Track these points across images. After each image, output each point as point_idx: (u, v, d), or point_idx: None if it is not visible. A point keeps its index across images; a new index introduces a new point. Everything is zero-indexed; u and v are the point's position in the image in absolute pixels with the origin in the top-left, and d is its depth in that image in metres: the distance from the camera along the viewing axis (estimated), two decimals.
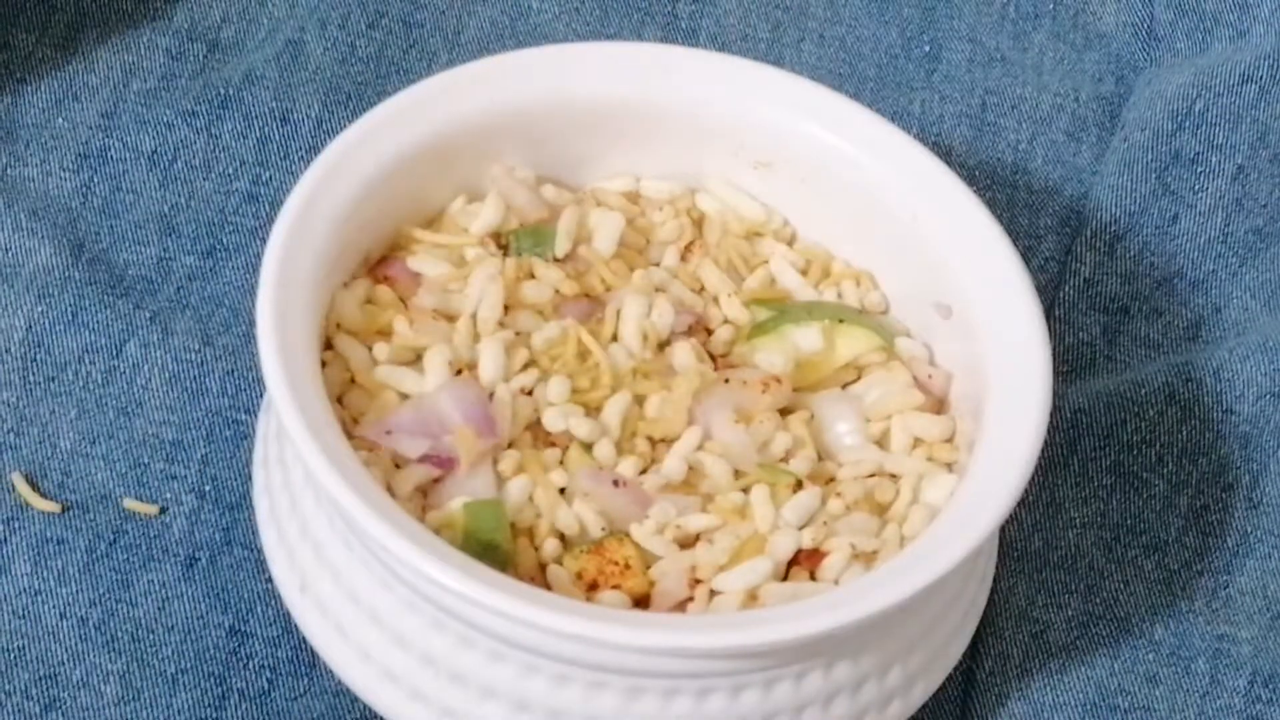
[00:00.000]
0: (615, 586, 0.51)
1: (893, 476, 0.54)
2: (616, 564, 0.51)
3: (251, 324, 0.52)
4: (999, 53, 0.72)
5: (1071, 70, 0.72)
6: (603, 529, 0.51)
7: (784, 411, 0.55)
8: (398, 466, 0.52)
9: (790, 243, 0.59)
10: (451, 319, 0.54)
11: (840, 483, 0.54)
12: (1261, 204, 0.68)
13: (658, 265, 0.57)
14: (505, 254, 0.56)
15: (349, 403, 0.53)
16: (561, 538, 0.51)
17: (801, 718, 0.51)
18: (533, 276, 0.56)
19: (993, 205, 0.61)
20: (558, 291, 0.55)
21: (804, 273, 0.58)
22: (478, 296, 0.54)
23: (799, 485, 0.53)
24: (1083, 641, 0.59)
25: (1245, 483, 0.62)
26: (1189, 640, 0.60)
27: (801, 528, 0.52)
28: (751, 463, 0.53)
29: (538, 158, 0.58)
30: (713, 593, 0.51)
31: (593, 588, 0.51)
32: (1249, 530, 0.61)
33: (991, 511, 0.50)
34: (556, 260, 0.56)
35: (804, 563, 0.52)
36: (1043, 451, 0.51)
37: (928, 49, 0.72)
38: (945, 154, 0.64)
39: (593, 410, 0.53)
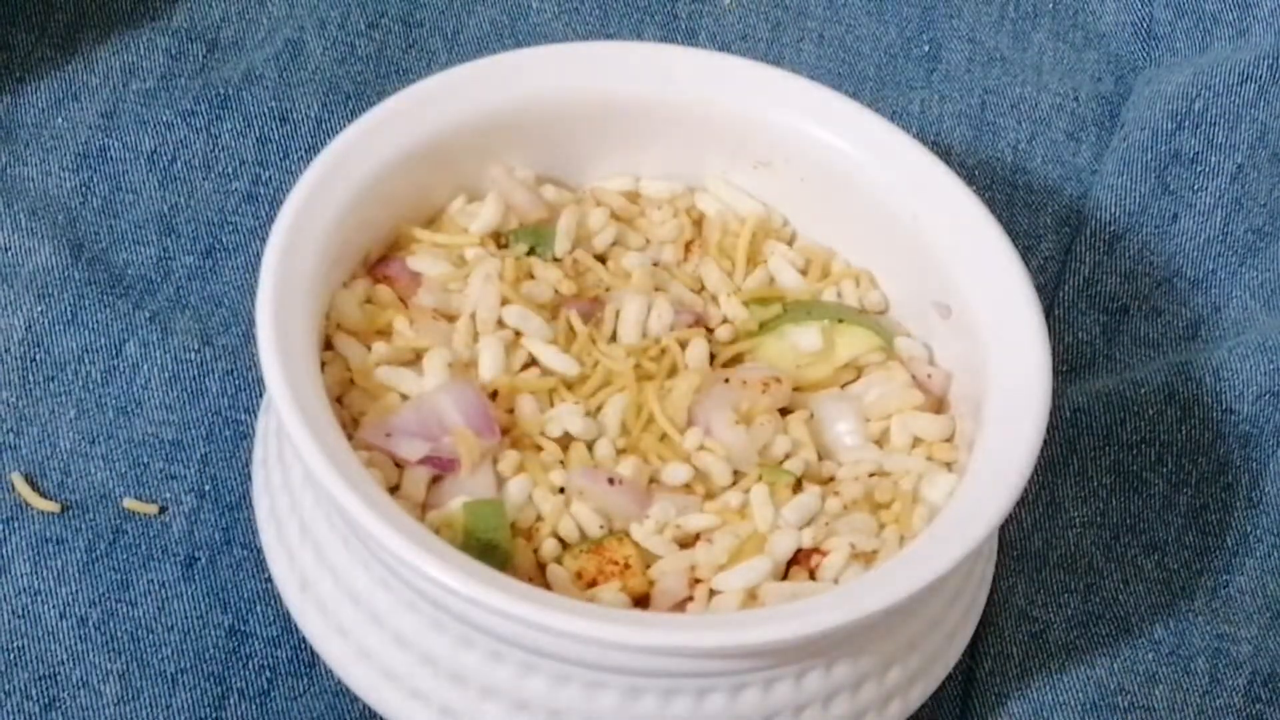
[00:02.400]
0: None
1: (892, 476, 0.54)
2: (616, 563, 0.51)
3: (251, 324, 0.52)
4: (998, 52, 0.72)
5: (1071, 70, 0.72)
6: (602, 528, 0.51)
7: (784, 411, 0.55)
8: (399, 467, 0.52)
9: (790, 242, 0.59)
10: (451, 319, 0.54)
11: (840, 482, 0.54)
12: (1261, 203, 0.68)
13: (656, 264, 0.57)
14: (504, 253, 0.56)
15: (349, 403, 0.53)
16: (561, 538, 0.51)
17: (801, 718, 0.51)
18: (532, 276, 0.56)
19: (992, 205, 0.61)
20: (557, 291, 0.55)
21: (804, 272, 0.58)
22: (477, 296, 0.54)
23: (798, 485, 0.53)
24: (1083, 641, 0.59)
25: (1245, 482, 0.62)
26: (1189, 640, 0.60)
27: (801, 527, 0.52)
28: (751, 462, 0.53)
29: (538, 158, 0.58)
30: (712, 592, 0.51)
31: (592, 587, 0.51)
32: (1249, 530, 0.61)
33: (991, 511, 0.50)
34: (556, 260, 0.56)
35: (803, 562, 0.52)
36: (1043, 451, 0.51)
37: (927, 49, 0.72)
38: (945, 154, 0.64)
39: (593, 410, 0.53)
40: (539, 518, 0.52)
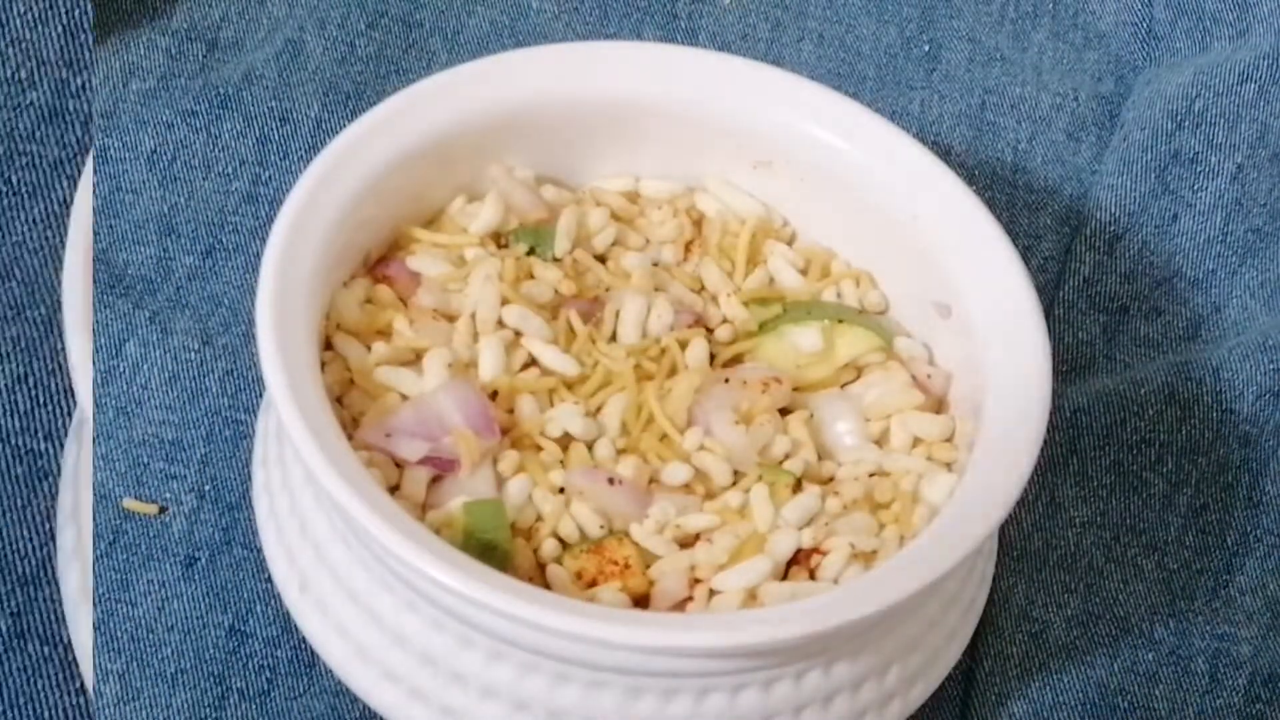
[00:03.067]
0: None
1: (892, 476, 0.54)
2: (616, 563, 0.51)
3: (251, 324, 0.52)
4: (998, 52, 0.72)
5: (1071, 70, 0.72)
6: (602, 528, 0.51)
7: (784, 411, 0.55)
8: (399, 467, 0.52)
9: (790, 243, 0.59)
10: (451, 319, 0.54)
11: (839, 482, 0.54)
12: (1261, 203, 0.68)
13: (656, 264, 0.57)
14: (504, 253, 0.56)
15: (349, 403, 0.53)
16: (561, 538, 0.51)
17: (801, 718, 0.51)
18: (532, 276, 0.56)
19: (992, 205, 0.61)
20: (557, 291, 0.55)
21: (804, 272, 0.58)
22: (477, 296, 0.54)
23: (798, 485, 0.53)
24: (1083, 641, 0.59)
25: (1245, 482, 0.62)
26: (1189, 640, 0.60)
27: (801, 527, 0.52)
28: (751, 462, 0.53)
29: (538, 158, 0.58)
30: (712, 592, 0.51)
31: (592, 586, 0.51)
32: (1249, 530, 0.61)
33: (991, 511, 0.50)
34: (556, 260, 0.56)
35: (803, 562, 0.52)
36: (1043, 451, 0.51)
37: (927, 48, 0.72)
38: (945, 154, 0.64)
39: (592, 410, 0.53)
40: (539, 518, 0.52)
